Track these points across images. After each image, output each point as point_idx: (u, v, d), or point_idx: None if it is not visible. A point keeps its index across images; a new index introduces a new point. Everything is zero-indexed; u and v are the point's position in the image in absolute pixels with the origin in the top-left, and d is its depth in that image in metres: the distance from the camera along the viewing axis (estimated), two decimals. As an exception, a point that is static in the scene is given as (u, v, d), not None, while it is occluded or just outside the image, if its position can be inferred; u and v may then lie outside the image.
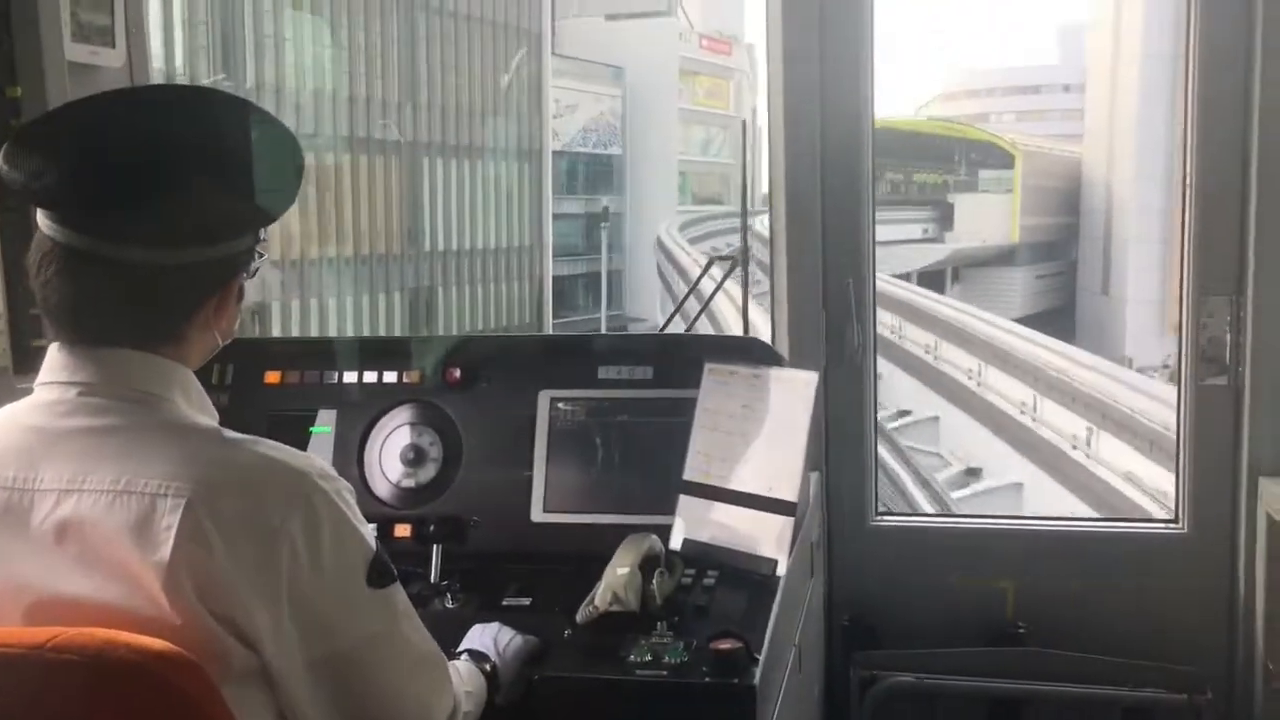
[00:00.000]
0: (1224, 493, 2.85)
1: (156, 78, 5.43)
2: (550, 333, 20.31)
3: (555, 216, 34.07)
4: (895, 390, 21.28)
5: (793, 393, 2.14)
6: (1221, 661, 2.87)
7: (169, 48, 20.75)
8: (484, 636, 1.82)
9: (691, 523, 2.17)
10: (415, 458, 2.38)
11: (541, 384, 2.37)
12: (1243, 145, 2.73)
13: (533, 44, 32.36)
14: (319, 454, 2.38)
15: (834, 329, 3.00)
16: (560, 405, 2.36)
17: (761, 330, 3.16)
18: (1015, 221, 48.16)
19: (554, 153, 35.12)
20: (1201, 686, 2.78)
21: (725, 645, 1.74)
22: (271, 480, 1.33)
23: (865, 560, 3.05)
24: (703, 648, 1.77)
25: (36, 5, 2.22)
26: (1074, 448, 16.47)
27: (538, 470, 2.33)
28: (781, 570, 2.05)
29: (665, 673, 1.75)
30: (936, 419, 20.57)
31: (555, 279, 33.47)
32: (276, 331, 21.46)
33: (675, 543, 2.15)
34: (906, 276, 39.51)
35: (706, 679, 1.73)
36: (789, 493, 2.09)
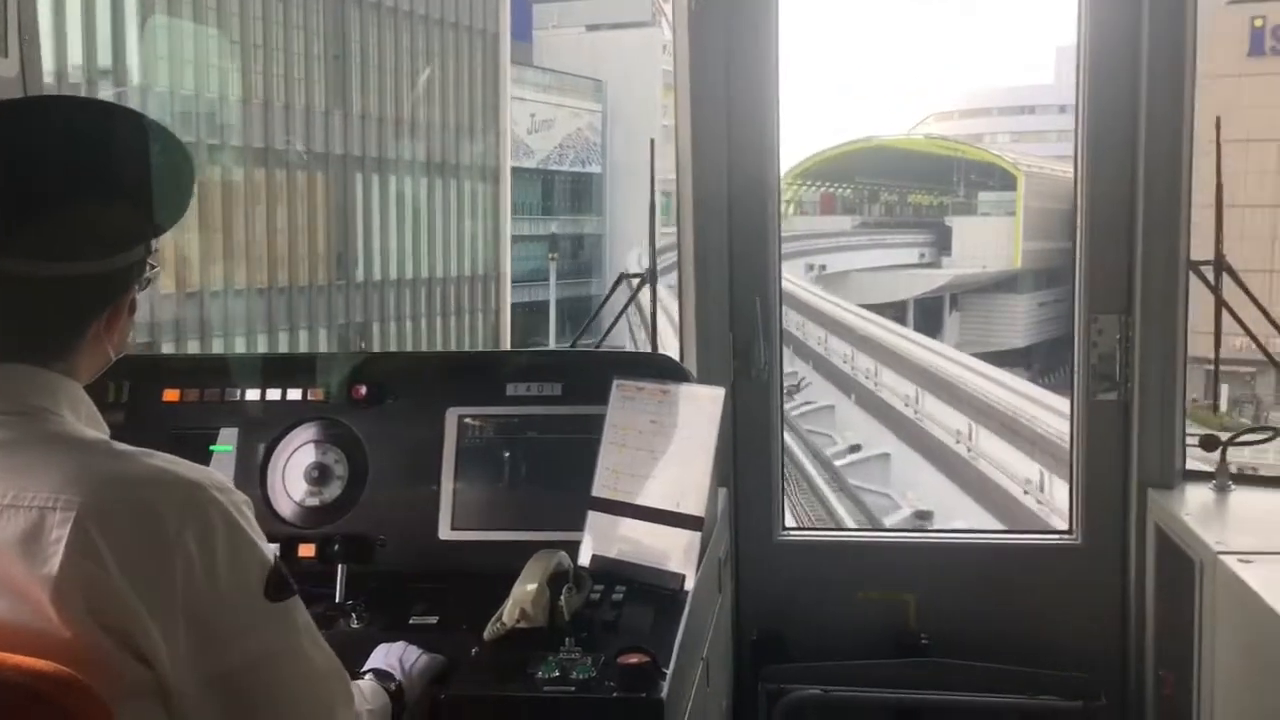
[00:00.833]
0: (1115, 504, 2.95)
1: (50, 87, 5.27)
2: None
3: (530, 239, 31.60)
4: (850, 423, 21.26)
5: (699, 408, 2.16)
6: (1115, 668, 2.96)
7: (61, 57, 18.28)
8: (389, 656, 1.80)
9: (600, 538, 2.17)
10: (320, 476, 2.34)
11: (449, 401, 2.36)
12: (1130, 173, 2.84)
13: (489, 47, 28.70)
14: (220, 473, 2.36)
15: (741, 346, 3.03)
16: (468, 422, 2.35)
17: (670, 347, 3.19)
18: (1018, 246, 46.02)
19: (529, 170, 32.90)
20: (1096, 693, 2.87)
21: (633, 660, 1.75)
22: (165, 492, 1.30)
23: (773, 575, 3.09)
24: (610, 662, 1.77)
25: (-76, 12, 2.15)
26: (1025, 493, 16.11)
27: (445, 488, 2.31)
28: (689, 585, 2.06)
29: (573, 688, 1.75)
30: (887, 455, 20.02)
31: (529, 306, 30.67)
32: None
33: (584, 558, 2.15)
34: (903, 305, 38.20)
35: (614, 694, 1.73)
36: (696, 507, 2.10)
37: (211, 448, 2.39)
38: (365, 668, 1.76)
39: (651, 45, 43.48)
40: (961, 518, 15.94)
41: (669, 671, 1.77)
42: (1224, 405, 38.01)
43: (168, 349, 17.93)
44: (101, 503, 1.26)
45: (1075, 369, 3.01)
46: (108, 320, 1.41)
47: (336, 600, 2.11)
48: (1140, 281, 2.85)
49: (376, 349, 22.53)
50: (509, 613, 1.87)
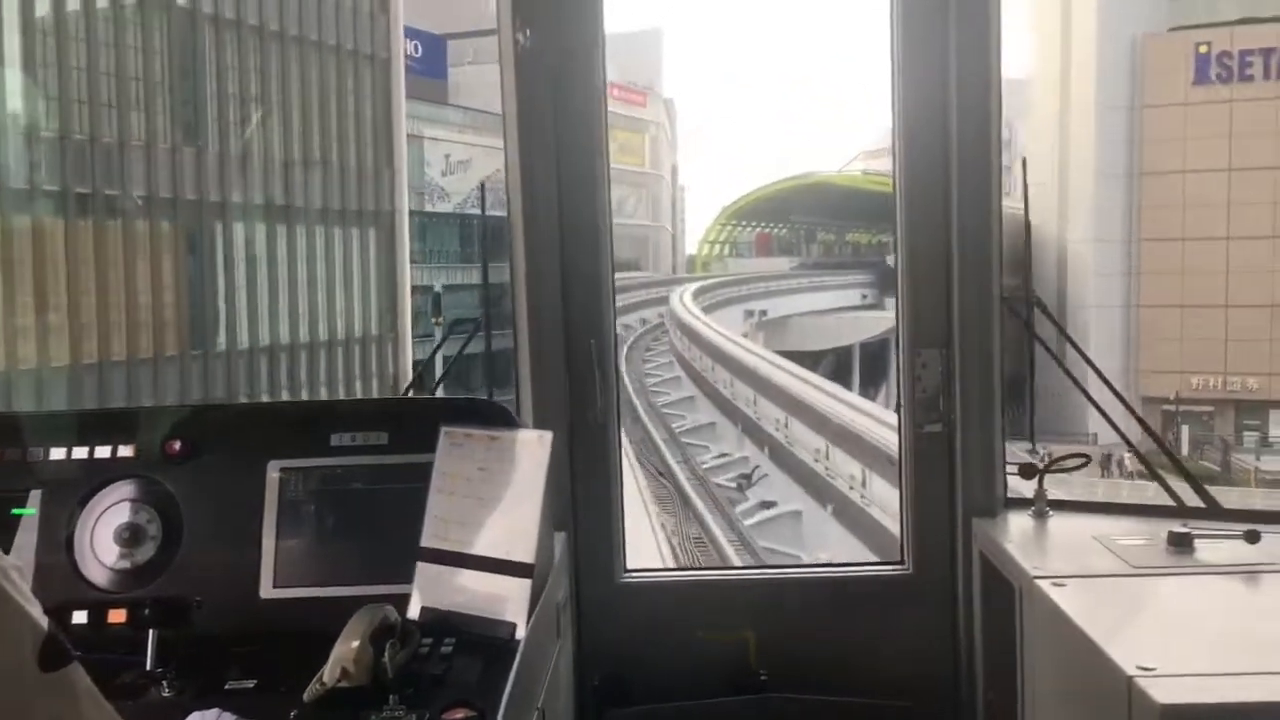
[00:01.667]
0: (943, 534, 3.04)
1: None
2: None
3: (452, 288, 27.66)
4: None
5: (528, 453, 2.14)
6: (949, 695, 3.04)
7: None
8: (201, 725, 1.71)
9: (429, 590, 2.12)
10: (132, 537, 2.23)
11: (270, 454, 2.28)
12: (944, 210, 2.96)
13: (378, 73, 24.66)
14: (24, 537, 2.22)
15: (577, 389, 3.03)
16: (290, 475, 2.27)
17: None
18: None
19: (445, 215, 29.67)
20: (930, 720, 2.94)
21: (458, 715, 1.71)
22: None
23: (615, 618, 3.07)
24: (435, 719, 1.73)
25: None
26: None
27: (266, 544, 2.23)
28: (521, 634, 2.03)
29: (396, 747, 1.70)
30: (799, 514, 19.59)
31: (450, 360, 27.84)
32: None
33: (413, 611, 2.09)
34: (848, 351, 36.32)
35: None
36: (526, 554, 2.08)
37: (15, 510, 2.25)
38: (175, 738, 1.67)
39: None
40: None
41: None
42: (1185, 448, 37.21)
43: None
44: None
45: (901, 402, 3.10)
46: None
47: (148, 667, 2.00)
48: (958, 317, 2.97)
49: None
50: (329, 672, 1.81)
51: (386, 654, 1.84)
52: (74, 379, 17.86)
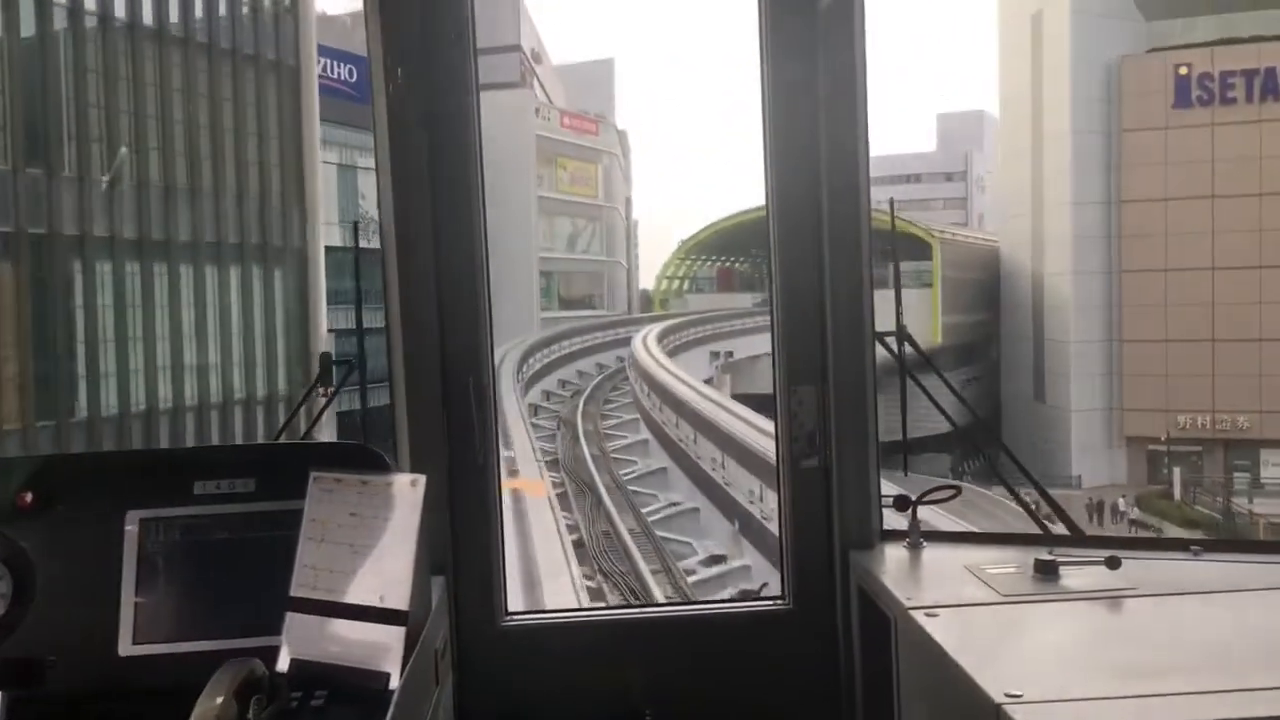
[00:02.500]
0: (823, 568, 3.07)
1: None
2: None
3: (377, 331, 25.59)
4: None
5: (401, 497, 2.10)
6: None
7: None
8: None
9: (299, 641, 2.06)
10: (-21, 595, 2.11)
11: (130, 504, 2.19)
12: (816, 251, 3.02)
13: (285, 84, 20.75)
14: None
15: (456, 430, 2.99)
16: (150, 525, 2.18)
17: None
18: (936, 320, 41.90)
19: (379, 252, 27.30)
20: (813, 756, 2.96)
21: (328, 770, 1.65)
22: None
23: (497, 661, 3.03)
24: (304, 776, 1.67)
25: None
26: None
27: (125, 599, 2.14)
28: (395, 683, 1.98)
29: (258, 809, 1.63)
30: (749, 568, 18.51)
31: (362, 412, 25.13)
32: None
33: (282, 664, 2.02)
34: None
35: None
36: (399, 601, 2.03)
37: None
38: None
39: (523, 108, 38.75)
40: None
41: None
42: (1177, 491, 35.97)
43: None
44: None
45: (778, 437, 3.13)
46: None
47: (-4, 732, 1.90)
48: (831, 355, 3.02)
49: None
50: (191, 731, 1.73)
51: (252, 710, 1.78)
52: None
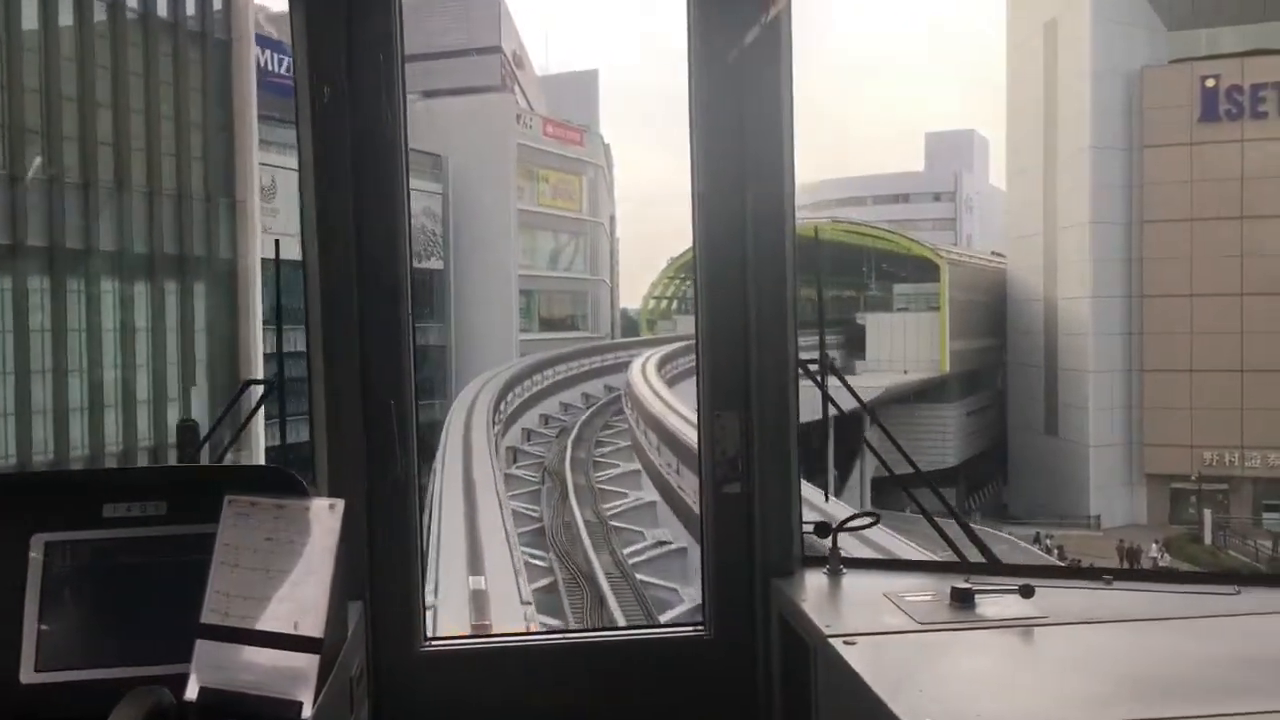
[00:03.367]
0: (743, 595, 3.08)
1: None
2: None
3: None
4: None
5: (318, 521, 2.06)
6: None
7: None
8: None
9: (209, 669, 2.01)
10: None
11: (34, 527, 2.13)
12: (741, 279, 3.04)
13: (213, 63, 16.63)
14: None
15: (376, 452, 2.95)
16: (56, 549, 2.12)
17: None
18: (944, 346, 39.15)
19: None
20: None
21: (236, 803, 1.61)
22: None
23: (416, 688, 2.99)
24: (211, 808, 1.63)
25: None
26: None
27: (28, 625, 2.07)
28: (308, 711, 1.94)
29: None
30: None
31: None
32: None
33: (191, 693, 1.97)
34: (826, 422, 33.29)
35: None
36: (314, 628, 1.99)
37: None
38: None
39: (503, 114, 35.92)
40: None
41: None
42: (1208, 535, 32.18)
43: None
44: None
45: (701, 463, 3.15)
46: None
47: (-114, 766, 1.82)
48: (755, 381, 3.04)
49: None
50: (93, 764, 1.68)
51: (157, 741, 1.73)
52: None
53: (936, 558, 3.21)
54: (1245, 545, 31.95)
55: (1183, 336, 36.09)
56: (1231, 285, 35.16)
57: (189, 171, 16.75)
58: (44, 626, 2.08)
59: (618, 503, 21.45)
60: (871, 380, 36.08)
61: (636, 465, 23.16)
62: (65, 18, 14.85)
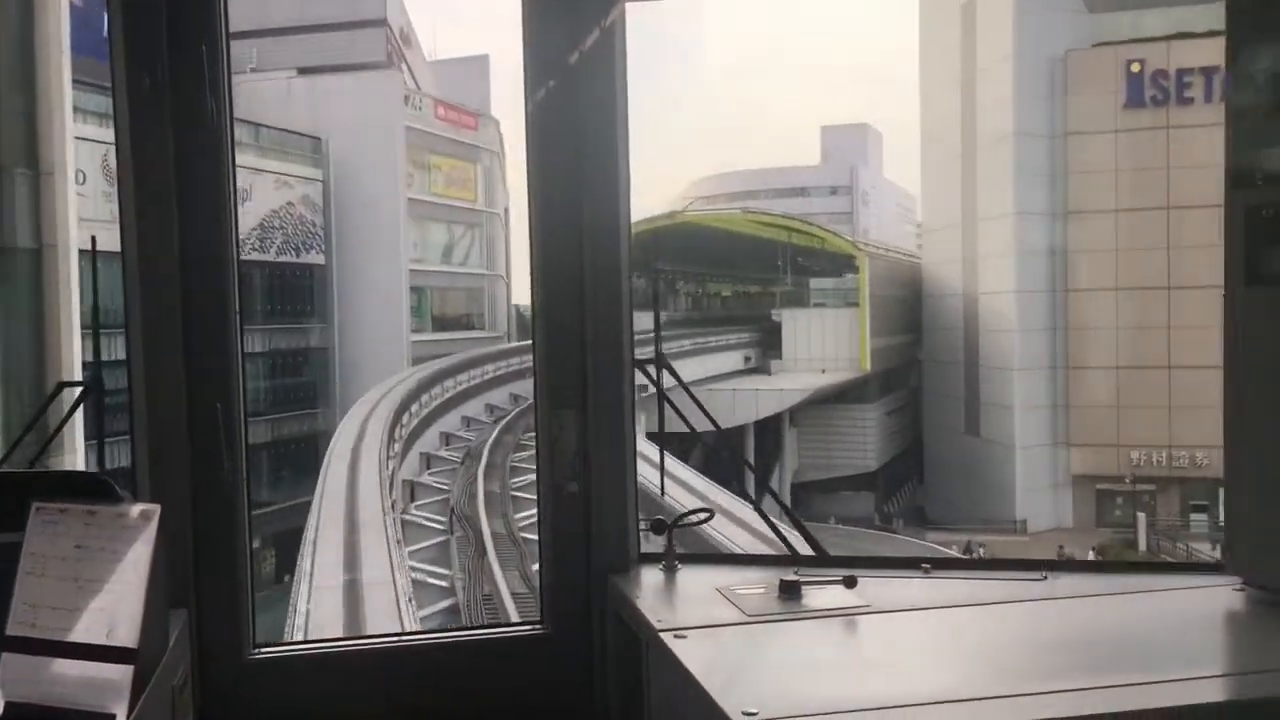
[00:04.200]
0: (580, 592, 3.11)
1: None
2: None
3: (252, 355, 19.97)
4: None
5: (133, 528, 2.00)
6: None
7: None
8: None
9: (15, 683, 1.93)
10: None
11: None
12: (578, 279, 3.07)
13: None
14: None
15: (201, 457, 2.86)
16: None
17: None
18: (865, 345, 36.87)
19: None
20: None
21: (38, 822, 1.55)
22: None
23: (245, 696, 2.91)
24: (11, 829, 1.56)
25: None
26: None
27: None
28: None
29: None
30: None
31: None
32: None
33: (-7, 710, 1.89)
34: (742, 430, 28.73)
35: None
36: (129, 638, 1.93)
37: None
38: None
39: (390, 93, 32.91)
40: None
41: None
42: (1143, 541, 30.09)
43: None
44: None
45: (539, 461, 3.16)
46: None
47: None
48: (592, 378, 3.07)
49: None
50: (-119, 788, 1.59)
51: (-47, 761, 1.65)
52: None
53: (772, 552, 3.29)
54: (1176, 549, 30.55)
55: (1109, 331, 34.69)
56: (1159, 279, 33.83)
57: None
58: None
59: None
60: (789, 382, 34.34)
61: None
62: None
